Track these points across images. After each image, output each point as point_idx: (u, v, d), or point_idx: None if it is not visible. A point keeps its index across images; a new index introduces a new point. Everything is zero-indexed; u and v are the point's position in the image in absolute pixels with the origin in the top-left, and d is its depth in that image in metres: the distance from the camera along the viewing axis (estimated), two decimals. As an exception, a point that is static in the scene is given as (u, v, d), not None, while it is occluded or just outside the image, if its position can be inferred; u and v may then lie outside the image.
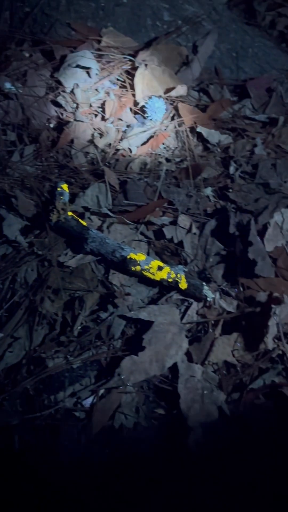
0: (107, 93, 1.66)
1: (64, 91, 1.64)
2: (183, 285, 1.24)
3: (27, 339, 1.22)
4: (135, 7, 1.72)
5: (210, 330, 1.21)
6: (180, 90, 1.65)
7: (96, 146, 1.54)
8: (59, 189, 1.36)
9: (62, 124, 1.58)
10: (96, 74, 1.68)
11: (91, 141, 1.55)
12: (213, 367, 1.16)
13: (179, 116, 1.60)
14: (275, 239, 1.32)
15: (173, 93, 1.65)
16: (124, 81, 1.68)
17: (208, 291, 1.24)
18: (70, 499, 1.01)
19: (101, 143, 1.54)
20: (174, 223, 1.37)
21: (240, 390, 1.14)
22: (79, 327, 1.22)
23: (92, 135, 1.56)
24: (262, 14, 1.96)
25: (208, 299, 1.24)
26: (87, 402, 1.14)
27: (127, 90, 1.67)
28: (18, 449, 1.06)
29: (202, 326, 1.23)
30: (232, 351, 1.18)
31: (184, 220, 1.37)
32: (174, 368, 1.16)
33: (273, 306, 1.14)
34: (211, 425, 1.09)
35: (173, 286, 1.25)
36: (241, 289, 1.26)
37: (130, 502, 1.01)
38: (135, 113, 1.62)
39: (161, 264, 1.26)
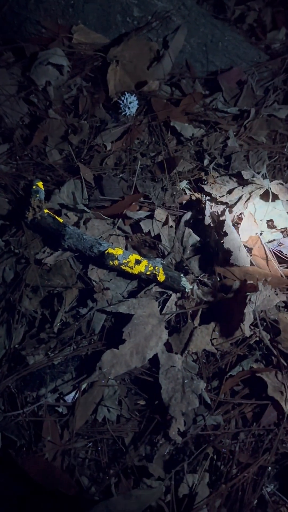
0: (80, 90, 1.66)
1: (36, 89, 1.63)
2: (161, 277, 1.25)
3: (7, 337, 1.22)
4: (105, 4, 1.72)
5: (189, 320, 1.23)
6: (152, 85, 1.66)
7: (70, 143, 1.54)
8: (34, 186, 1.36)
9: (35, 122, 1.57)
10: (68, 71, 1.68)
11: (65, 138, 1.54)
12: (192, 357, 1.18)
13: (152, 111, 1.61)
14: (250, 228, 1.34)
15: (145, 88, 1.65)
16: (96, 78, 1.68)
17: (186, 283, 1.26)
18: (54, 494, 1.01)
19: (75, 139, 1.54)
20: (150, 216, 1.38)
21: (219, 377, 1.17)
22: (59, 324, 1.23)
23: (66, 132, 1.56)
24: (231, 8, 1.98)
25: (186, 290, 1.26)
26: (70, 397, 1.15)
27: (99, 87, 1.67)
28: (1, 446, 1.06)
29: (181, 316, 1.25)
30: (211, 340, 1.19)
31: (160, 214, 1.39)
32: (154, 359, 1.17)
33: (248, 293, 1.16)
34: (193, 414, 1.10)
35: (151, 279, 1.27)
36: (218, 279, 1.28)
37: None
38: (109, 109, 1.62)
39: (139, 257, 1.27)
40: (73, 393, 1.15)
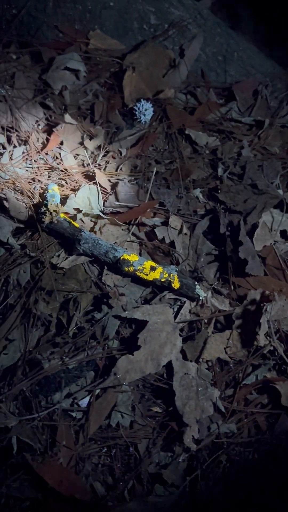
0: (96, 95, 1.68)
1: (52, 93, 1.64)
2: (176, 284, 1.26)
3: (22, 341, 1.22)
4: (122, 10, 1.74)
5: (203, 328, 1.24)
6: (168, 93, 1.67)
7: (86, 148, 1.55)
8: (50, 191, 1.36)
9: (51, 126, 1.58)
10: (84, 76, 1.70)
11: (81, 143, 1.55)
12: (207, 364, 1.19)
13: (167, 118, 1.63)
14: (264, 238, 1.36)
15: (161, 96, 1.67)
16: (112, 84, 1.70)
17: (200, 290, 1.27)
18: (69, 499, 1.01)
19: (91, 145, 1.56)
20: (165, 223, 1.39)
21: (233, 386, 1.17)
22: (74, 328, 1.23)
23: (82, 137, 1.57)
24: (246, 19, 2.00)
25: (201, 298, 1.27)
26: (84, 402, 1.15)
27: (115, 93, 1.68)
28: (17, 450, 1.06)
29: (195, 324, 1.26)
30: (225, 348, 1.20)
31: (175, 221, 1.40)
32: (169, 366, 1.18)
33: (264, 303, 1.17)
34: (207, 421, 1.11)
35: (166, 286, 1.28)
36: (232, 287, 1.29)
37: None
38: (124, 115, 1.64)
39: (154, 264, 1.28)
40: (88, 398, 1.16)
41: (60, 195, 1.39)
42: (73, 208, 1.41)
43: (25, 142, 1.56)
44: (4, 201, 1.38)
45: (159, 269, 1.27)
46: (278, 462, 1.07)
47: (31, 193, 1.43)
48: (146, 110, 1.61)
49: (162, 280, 1.27)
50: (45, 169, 1.51)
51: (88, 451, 1.09)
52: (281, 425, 1.11)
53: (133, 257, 1.28)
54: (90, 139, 1.57)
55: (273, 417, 1.13)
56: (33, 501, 1.03)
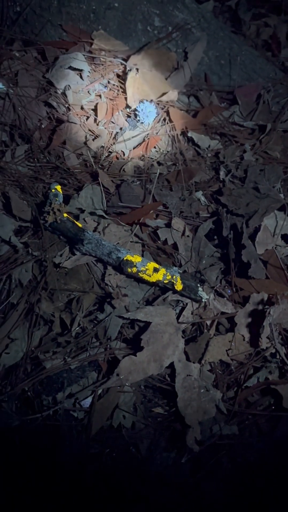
0: (99, 96, 1.67)
1: (56, 92, 1.64)
2: (179, 286, 1.27)
3: (24, 340, 1.22)
4: (126, 12, 1.74)
5: (205, 330, 1.24)
6: (171, 95, 1.68)
7: (89, 148, 1.54)
8: (53, 190, 1.36)
9: (54, 125, 1.58)
10: (88, 76, 1.69)
11: (84, 143, 1.55)
12: (210, 366, 1.19)
13: (170, 120, 1.63)
14: (266, 242, 1.37)
15: (164, 98, 1.67)
16: (116, 85, 1.70)
17: (202, 292, 1.28)
18: (71, 496, 1.01)
19: (94, 145, 1.55)
20: (168, 225, 1.40)
21: (235, 388, 1.18)
22: (76, 328, 1.23)
23: (85, 137, 1.56)
24: (247, 23, 2.02)
25: (203, 300, 1.27)
26: (86, 403, 1.15)
27: (118, 93, 1.68)
28: (19, 450, 1.05)
29: (198, 326, 1.26)
30: (227, 351, 1.21)
31: (177, 223, 1.40)
32: (171, 368, 1.18)
33: (267, 306, 1.18)
34: (209, 423, 1.12)
35: (168, 287, 1.28)
36: (235, 290, 1.30)
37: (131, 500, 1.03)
38: (127, 116, 1.64)
39: (157, 266, 1.28)
40: (90, 398, 1.16)
41: (63, 194, 1.38)
42: (76, 208, 1.41)
43: (28, 141, 1.55)
44: (6, 200, 1.38)
45: (162, 270, 1.27)
46: (279, 464, 1.08)
47: (34, 192, 1.42)
48: (149, 111, 1.61)
49: (165, 281, 1.27)
50: (47, 168, 1.50)
51: (90, 451, 1.09)
52: (283, 427, 1.12)
53: (136, 258, 1.28)
54: (93, 139, 1.56)
55: (274, 419, 1.14)
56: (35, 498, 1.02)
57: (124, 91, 1.67)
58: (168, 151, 1.59)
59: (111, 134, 1.59)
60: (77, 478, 1.03)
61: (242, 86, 1.75)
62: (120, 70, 1.72)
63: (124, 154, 1.55)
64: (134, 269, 1.27)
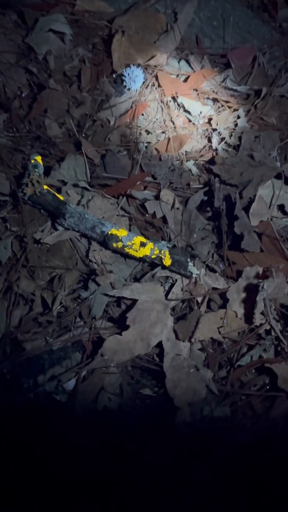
0: (83, 61, 1.57)
1: (36, 58, 1.53)
2: (167, 261, 1.19)
3: (3, 320, 1.15)
4: None
5: (195, 307, 1.17)
6: (160, 58, 1.57)
7: (72, 116, 1.45)
8: (32, 161, 1.27)
9: (35, 93, 1.48)
10: (70, 40, 1.58)
11: (67, 111, 1.45)
12: (200, 345, 1.12)
13: (159, 85, 1.53)
14: (260, 213, 1.28)
15: (152, 62, 1.56)
16: (100, 49, 1.59)
17: (193, 268, 1.20)
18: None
19: (77, 113, 1.46)
20: (156, 197, 1.31)
21: (227, 367, 1.12)
22: (58, 307, 1.16)
23: (68, 104, 1.46)
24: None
25: (193, 275, 1.20)
26: (69, 385, 1.09)
27: (103, 58, 1.58)
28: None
29: (187, 303, 1.19)
30: (218, 328, 1.14)
31: (166, 195, 1.32)
32: (159, 347, 1.11)
33: (261, 281, 1.10)
34: (199, 404, 1.05)
35: (156, 262, 1.20)
36: (227, 264, 1.22)
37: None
38: (113, 82, 1.53)
39: (144, 240, 1.20)
40: (73, 380, 1.09)
41: (44, 166, 1.29)
42: (58, 180, 1.32)
43: (7, 110, 1.45)
44: (-17, 172, 1.29)
45: (150, 245, 1.19)
46: (274, 446, 1.02)
47: (13, 163, 1.33)
48: (136, 76, 1.51)
49: (152, 256, 1.19)
50: (27, 138, 1.41)
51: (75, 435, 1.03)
52: (278, 408, 1.05)
53: (121, 232, 1.20)
54: (76, 107, 1.47)
55: (269, 399, 1.08)
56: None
57: (110, 56, 1.57)
58: (157, 119, 1.49)
59: (96, 101, 1.49)
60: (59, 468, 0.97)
61: (236, 48, 1.64)
62: (105, 34, 1.61)
63: (109, 122, 1.46)
64: (120, 244, 1.19)
